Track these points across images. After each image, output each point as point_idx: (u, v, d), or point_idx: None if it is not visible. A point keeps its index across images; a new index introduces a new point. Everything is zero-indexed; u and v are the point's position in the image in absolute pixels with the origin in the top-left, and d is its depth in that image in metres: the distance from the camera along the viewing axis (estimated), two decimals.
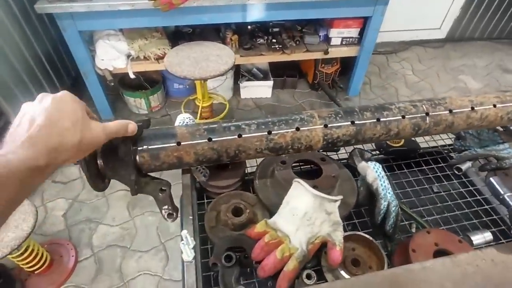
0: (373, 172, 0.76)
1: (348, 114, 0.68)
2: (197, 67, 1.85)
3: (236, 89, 2.86)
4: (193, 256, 0.56)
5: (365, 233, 0.71)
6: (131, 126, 0.54)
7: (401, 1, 3.23)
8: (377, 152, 0.95)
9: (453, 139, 0.97)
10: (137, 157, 0.59)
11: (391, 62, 3.45)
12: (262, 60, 2.56)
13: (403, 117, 0.70)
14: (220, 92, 2.64)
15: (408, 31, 3.65)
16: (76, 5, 1.89)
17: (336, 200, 0.68)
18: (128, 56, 2.32)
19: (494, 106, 0.76)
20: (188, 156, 0.63)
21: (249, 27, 2.52)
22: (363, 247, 0.69)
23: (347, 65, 2.87)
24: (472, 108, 0.75)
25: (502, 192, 0.80)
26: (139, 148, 0.59)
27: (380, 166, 0.77)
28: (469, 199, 0.86)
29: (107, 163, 0.58)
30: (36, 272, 1.63)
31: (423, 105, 0.73)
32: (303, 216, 0.66)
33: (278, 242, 0.64)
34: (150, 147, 0.60)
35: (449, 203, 0.86)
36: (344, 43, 2.60)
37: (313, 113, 0.68)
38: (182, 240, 0.55)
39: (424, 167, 0.93)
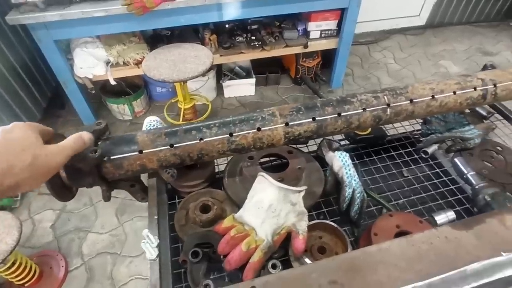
0: (339, 161, 0.78)
1: (310, 110, 0.69)
2: (175, 70, 1.85)
3: (219, 89, 2.86)
4: (157, 254, 0.57)
5: (332, 221, 0.72)
6: (86, 137, 0.54)
7: None
8: (346, 141, 0.96)
9: (420, 123, 1.00)
10: (102, 168, 0.60)
11: (372, 52, 3.48)
12: (242, 58, 2.57)
13: (364, 110, 0.72)
14: (204, 93, 2.64)
15: (388, 19, 3.68)
16: (48, 14, 1.88)
17: (300, 191, 0.69)
18: (107, 62, 2.31)
19: (454, 93, 0.78)
20: (151, 163, 0.64)
21: (226, 26, 2.53)
22: (330, 235, 0.70)
23: (328, 58, 2.88)
24: (433, 97, 0.76)
25: (465, 172, 0.82)
26: (103, 159, 0.60)
27: (347, 155, 0.79)
28: (435, 181, 0.88)
29: (71, 175, 0.59)
30: (26, 285, 1.63)
31: (385, 96, 0.74)
32: (268, 208, 0.67)
33: (244, 235, 0.65)
34: (112, 157, 0.61)
35: (416, 186, 0.88)
36: (323, 35, 2.62)
37: (274, 112, 0.68)
38: (143, 241, 0.56)
39: (393, 153, 0.95)
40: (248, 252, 0.63)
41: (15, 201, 2.07)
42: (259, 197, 0.68)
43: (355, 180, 0.75)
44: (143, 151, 0.62)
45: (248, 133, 0.66)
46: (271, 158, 0.89)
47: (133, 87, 2.61)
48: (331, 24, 2.56)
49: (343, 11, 2.45)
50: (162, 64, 1.90)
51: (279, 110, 0.69)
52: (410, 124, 1.04)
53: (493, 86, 0.81)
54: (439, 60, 3.34)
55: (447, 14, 3.76)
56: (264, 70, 2.93)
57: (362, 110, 0.71)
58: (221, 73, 2.83)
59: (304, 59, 2.82)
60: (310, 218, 0.71)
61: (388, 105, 0.73)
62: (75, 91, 2.32)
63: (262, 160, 0.83)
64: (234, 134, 0.65)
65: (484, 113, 1.00)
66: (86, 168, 0.58)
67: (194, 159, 0.66)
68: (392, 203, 0.82)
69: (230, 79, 2.79)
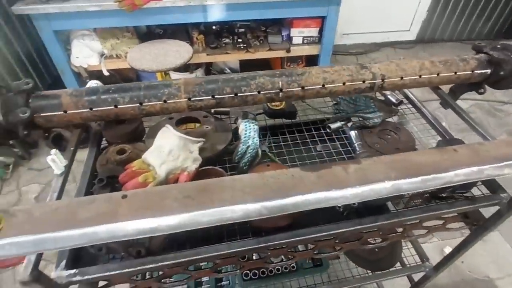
0: (242, 125, 0.92)
1: (211, 87, 0.81)
2: (155, 61, 2.04)
3: None
4: (63, 170, 0.73)
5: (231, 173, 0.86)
6: None
7: (369, 3, 3.44)
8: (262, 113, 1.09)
9: (332, 104, 1.13)
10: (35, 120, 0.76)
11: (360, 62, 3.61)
12: (227, 58, 2.76)
13: (259, 92, 0.85)
14: None
15: (379, 33, 3.83)
16: (49, 7, 2.11)
17: (198, 141, 0.84)
18: (102, 54, 2.53)
19: (344, 84, 0.91)
20: (76, 119, 0.80)
21: (213, 27, 2.72)
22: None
23: (312, 64, 3.04)
24: (323, 85, 0.89)
25: (354, 142, 0.95)
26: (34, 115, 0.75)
27: (254, 123, 0.94)
28: (344, 156, 0.99)
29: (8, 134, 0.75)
30: None
31: (280, 82, 0.86)
32: (169, 153, 0.82)
33: (144, 171, 0.80)
34: (42, 114, 0.76)
35: (325, 158, 1.01)
36: (305, 42, 2.78)
37: (180, 86, 0.81)
38: (50, 155, 0.72)
39: (313, 132, 1.07)
40: (143, 183, 0.77)
41: (6, 172, 2.27)
42: (162, 143, 0.83)
43: (252, 141, 0.89)
44: (67, 112, 0.78)
45: (156, 103, 0.81)
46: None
47: (126, 80, 2.82)
48: (313, 31, 2.72)
49: (323, 19, 2.62)
50: (145, 56, 2.09)
51: (184, 85, 0.82)
52: (326, 105, 1.18)
53: (381, 80, 0.94)
54: None
55: (438, 30, 3.88)
56: None
57: (257, 93, 0.85)
58: (209, 72, 3.02)
59: (289, 64, 2.99)
60: None
61: (281, 90, 0.86)
62: (71, 79, 2.55)
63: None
64: (143, 104, 0.80)
65: (393, 100, 1.13)
66: (20, 124, 0.73)
67: (112, 118, 0.81)
68: (288, 164, 0.95)
69: None
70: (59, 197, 0.71)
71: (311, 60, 3.00)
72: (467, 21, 3.81)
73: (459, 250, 1.07)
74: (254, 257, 1.10)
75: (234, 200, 0.64)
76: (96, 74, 2.69)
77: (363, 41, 3.85)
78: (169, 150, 0.82)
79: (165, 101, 0.81)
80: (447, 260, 1.12)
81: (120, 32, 2.50)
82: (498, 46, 1.02)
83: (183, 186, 0.68)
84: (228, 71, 3.10)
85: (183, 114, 0.97)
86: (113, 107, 0.80)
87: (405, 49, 3.85)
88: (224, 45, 2.72)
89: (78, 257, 0.72)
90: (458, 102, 1.11)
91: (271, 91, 0.85)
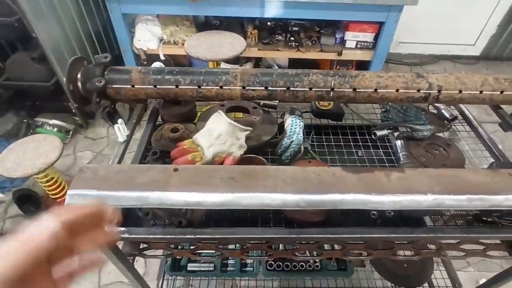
0: (289, 120, 0.95)
1: (265, 79, 0.85)
2: (210, 51, 2.13)
3: None
4: (125, 139, 0.81)
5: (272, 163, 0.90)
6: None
7: (432, 12, 3.26)
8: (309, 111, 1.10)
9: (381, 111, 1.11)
10: (106, 91, 0.86)
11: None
12: (278, 55, 2.78)
13: (310, 89, 0.87)
14: None
15: (439, 44, 3.61)
16: None
17: (246, 130, 0.89)
18: (161, 40, 2.69)
19: (397, 90, 0.90)
20: (141, 94, 0.88)
21: (268, 23, 2.76)
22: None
23: (362, 69, 2.96)
24: (375, 90, 0.89)
25: (398, 152, 0.93)
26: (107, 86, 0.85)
27: (299, 119, 0.96)
28: (386, 164, 0.98)
29: (83, 96, 0.85)
30: (58, 200, 2.01)
31: (333, 81, 0.88)
32: (218, 136, 0.87)
33: (194, 150, 0.86)
34: (113, 86, 0.86)
35: (367, 164, 1.00)
36: (358, 46, 2.72)
37: (236, 74, 0.87)
38: (116, 124, 0.80)
39: (357, 136, 1.06)
40: (192, 161, 0.83)
41: (67, 137, 2.52)
42: (212, 127, 0.89)
43: (296, 137, 0.92)
44: (135, 86, 0.87)
45: (213, 88, 0.87)
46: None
47: (179, 66, 2.97)
48: (368, 37, 2.65)
49: (381, 25, 2.54)
50: (201, 45, 2.19)
51: (241, 74, 0.87)
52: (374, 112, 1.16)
53: (437, 91, 0.91)
54: None
55: (507, 48, 3.58)
56: None
57: (308, 89, 0.87)
58: (258, 67, 3.07)
59: (338, 67, 2.95)
60: None
61: (332, 89, 0.88)
62: (131, 60, 2.74)
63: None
64: (201, 87, 0.87)
65: (447, 115, 1.08)
66: (95, 91, 0.83)
67: (172, 97, 0.89)
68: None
69: None
70: (119, 162, 0.80)
71: (362, 66, 2.93)
72: None
73: (496, 280, 1.01)
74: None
75: (275, 188, 0.67)
76: (153, 58, 2.87)
77: (420, 52, 3.66)
78: (218, 134, 0.87)
79: (221, 87, 0.86)
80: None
81: (180, 20, 2.64)
82: None
83: (230, 168, 0.73)
84: (276, 67, 3.14)
85: (234, 102, 1.02)
86: (174, 87, 0.87)
87: (467, 64, 3.60)
88: (276, 41, 2.75)
89: (126, 217, 0.80)
90: None
91: (323, 89, 0.87)
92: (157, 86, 0.87)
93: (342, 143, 1.07)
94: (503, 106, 1.03)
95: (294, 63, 3.03)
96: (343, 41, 2.74)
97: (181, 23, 2.64)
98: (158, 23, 2.63)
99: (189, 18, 2.66)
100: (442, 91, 0.91)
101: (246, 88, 0.86)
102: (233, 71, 0.88)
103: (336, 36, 2.74)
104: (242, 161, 0.86)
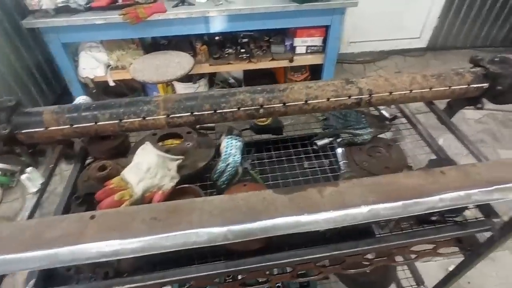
0: (224, 141, 0.91)
1: (190, 104, 0.80)
2: (156, 73, 2.07)
3: None
4: (38, 188, 0.73)
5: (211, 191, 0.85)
6: None
7: (377, 12, 3.39)
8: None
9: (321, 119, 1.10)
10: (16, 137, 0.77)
11: (368, 71, 3.56)
12: (230, 68, 2.76)
13: (239, 109, 0.83)
14: None
15: (388, 40, 3.76)
16: (57, 20, 2.18)
17: (177, 159, 0.83)
18: (108, 65, 2.59)
19: (328, 99, 0.88)
20: (58, 136, 0.80)
21: (216, 38, 2.74)
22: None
23: (317, 73, 3.01)
24: (306, 102, 0.86)
25: (339, 160, 0.91)
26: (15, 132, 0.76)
27: (236, 140, 0.92)
28: (329, 174, 0.95)
29: None
30: None
31: (261, 98, 0.83)
32: (147, 170, 0.81)
33: (122, 189, 0.79)
34: (23, 131, 0.77)
35: (310, 177, 0.97)
36: (309, 51, 2.76)
37: (159, 103, 0.81)
38: (25, 173, 0.72)
39: (300, 149, 1.04)
40: (119, 201, 0.76)
41: (12, 180, 2.33)
42: (140, 160, 0.82)
43: (233, 159, 0.88)
44: (48, 128, 0.79)
45: (135, 120, 0.80)
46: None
47: (132, 90, 2.87)
48: (317, 41, 2.70)
49: (327, 28, 2.59)
50: (147, 68, 2.12)
51: (163, 102, 0.81)
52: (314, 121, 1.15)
53: (368, 95, 0.90)
54: None
55: (450, 38, 3.78)
56: (256, 83, 3.10)
57: (236, 109, 0.83)
58: (213, 82, 3.04)
59: (293, 73, 2.97)
60: None
61: (261, 106, 0.84)
62: (79, 90, 2.61)
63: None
64: (123, 120, 0.80)
65: (387, 115, 1.09)
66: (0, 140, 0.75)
67: (93, 134, 0.82)
68: (269, 182, 0.92)
69: (221, 88, 2.99)
70: (31, 216, 0.71)
71: (316, 70, 2.97)
72: (481, 27, 3.69)
73: (456, 273, 1.00)
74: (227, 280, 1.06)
75: (201, 223, 0.62)
76: (102, 85, 2.75)
77: (371, 49, 3.79)
78: (147, 167, 0.81)
79: (144, 118, 0.80)
80: (444, 283, 1.06)
81: (125, 43, 2.55)
82: (497, 59, 0.97)
83: (154, 206, 0.66)
84: (232, 80, 3.12)
85: (166, 130, 0.97)
86: (93, 123, 0.80)
87: (415, 56, 3.77)
88: (226, 55, 2.73)
89: (49, 276, 0.71)
90: (470, 112, 1.05)
91: (251, 108, 0.83)
92: (74, 125, 0.79)
93: (283, 158, 1.03)
94: (439, 101, 1.05)
95: (249, 74, 3.03)
96: (293, 48, 2.77)
97: (127, 47, 2.56)
98: (103, 48, 2.53)
99: (135, 41, 2.58)
100: (373, 95, 0.90)
101: (171, 116, 0.81)
102: (155, 99, 0.82)
103: (286, 44, 2.77)
104: (174, 193, 0.80)
